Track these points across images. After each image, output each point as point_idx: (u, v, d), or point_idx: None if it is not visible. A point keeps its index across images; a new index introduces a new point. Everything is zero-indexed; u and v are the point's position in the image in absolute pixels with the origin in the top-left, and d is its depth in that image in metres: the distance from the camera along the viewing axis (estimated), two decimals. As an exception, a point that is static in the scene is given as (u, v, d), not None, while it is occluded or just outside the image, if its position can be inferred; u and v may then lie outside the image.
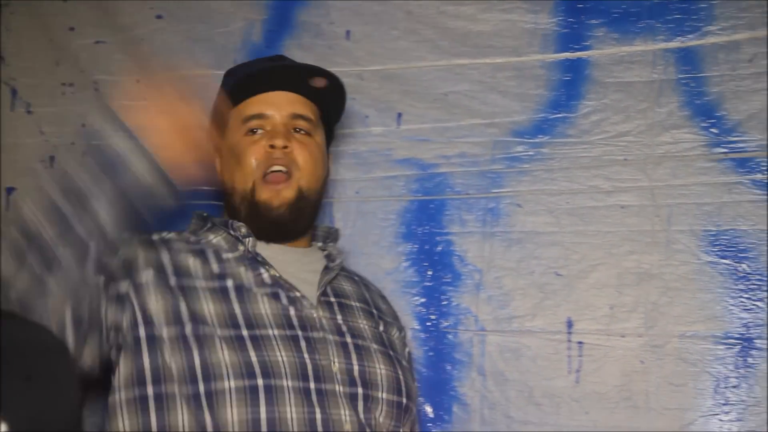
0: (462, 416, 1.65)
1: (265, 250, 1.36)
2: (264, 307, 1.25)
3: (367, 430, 1.22)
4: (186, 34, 1.82)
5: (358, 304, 1.40)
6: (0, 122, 1.86)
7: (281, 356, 1.21)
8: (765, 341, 1.53)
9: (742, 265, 1.55)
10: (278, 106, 1.38)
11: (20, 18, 1.89)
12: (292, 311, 1.27)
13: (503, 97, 1.68)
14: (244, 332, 1.21)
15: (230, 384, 1.16)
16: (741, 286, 1.55)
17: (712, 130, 1.58)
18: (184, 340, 1.17)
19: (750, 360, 1.52)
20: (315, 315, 1.29)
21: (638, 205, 1.61)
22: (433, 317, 1.68)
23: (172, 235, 1.34)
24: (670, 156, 1.60)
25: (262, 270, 1.30)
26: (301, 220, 1.38)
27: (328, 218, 1.75)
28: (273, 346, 1.21)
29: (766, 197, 1.56)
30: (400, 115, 1.71)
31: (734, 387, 1.52)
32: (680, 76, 1.62)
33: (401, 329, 1.48)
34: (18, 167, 1.84)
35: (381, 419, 1.26)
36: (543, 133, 1.68)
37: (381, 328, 1.40)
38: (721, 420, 1.51)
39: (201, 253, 1.30)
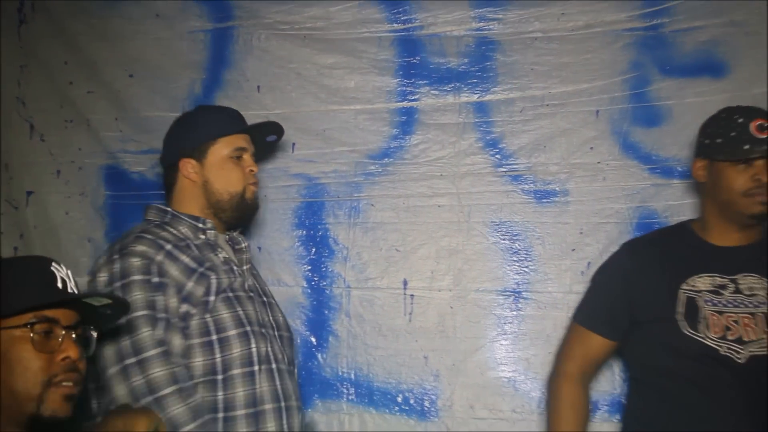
0: (334, 344, 1.97)
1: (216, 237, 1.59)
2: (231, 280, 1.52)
3: None
4: (149, 87, 2.11)
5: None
6: (23, 148, 2.15)
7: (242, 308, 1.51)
8: (530, 293, 1.93)
9: (515, 244, 1.95)
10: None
11: (35, 74, 2.18)
12: (238, 281, 1.53)
13: (362, 132, 2.01)
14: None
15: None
16: (514, 258, 1.95)
17: (496, 156, 1.96)
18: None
19: (519, 305, 1.93)
20: (249, 282, 1.57)
21: (449, 204, 1.97)
22: (315, 279, 2.02)
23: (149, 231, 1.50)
24: (470, 173, 1.97)
25: (218, 252, 1.55)
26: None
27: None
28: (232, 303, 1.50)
29: (531, 200, 1.95)
30: (294, 144, 2.03)
31: (509, 323, 1.93)
32: (476, 120, 1.98)
33: None
34: (34, 178, 2.17)
35: None
36: (388, 156, 2.01)
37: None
38: (501, 344, 1.92)
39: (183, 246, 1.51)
